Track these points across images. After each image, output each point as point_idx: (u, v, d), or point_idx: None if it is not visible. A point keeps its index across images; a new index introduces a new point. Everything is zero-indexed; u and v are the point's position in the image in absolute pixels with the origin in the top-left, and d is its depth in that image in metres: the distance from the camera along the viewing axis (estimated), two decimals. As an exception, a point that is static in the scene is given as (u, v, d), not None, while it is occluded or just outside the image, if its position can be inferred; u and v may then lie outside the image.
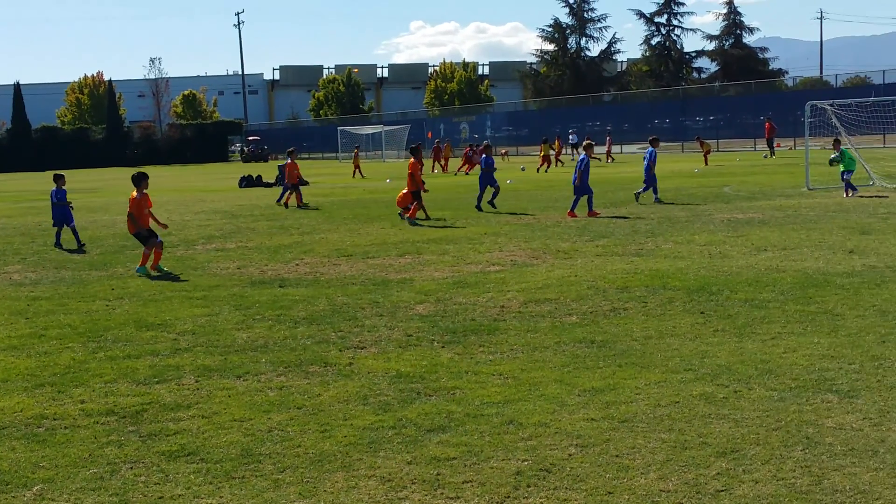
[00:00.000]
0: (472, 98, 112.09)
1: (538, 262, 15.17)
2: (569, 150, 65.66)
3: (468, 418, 7.18)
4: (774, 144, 55.58)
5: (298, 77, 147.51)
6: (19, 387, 8.59)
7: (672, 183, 32.84)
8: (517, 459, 6.29)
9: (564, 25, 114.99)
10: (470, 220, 22.40)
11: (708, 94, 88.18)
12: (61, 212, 20.33)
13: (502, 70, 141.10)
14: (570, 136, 68.39)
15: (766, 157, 53.33)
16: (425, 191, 23.45)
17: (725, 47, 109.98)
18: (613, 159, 57.84)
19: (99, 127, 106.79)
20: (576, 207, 22.64)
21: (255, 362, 9.20)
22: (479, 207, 24.97)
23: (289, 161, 30.78)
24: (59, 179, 20.94)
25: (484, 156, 25.90)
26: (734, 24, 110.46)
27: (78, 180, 55.86)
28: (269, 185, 43.76)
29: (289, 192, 29.77)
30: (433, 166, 54.35)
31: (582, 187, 22.62)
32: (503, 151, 68.19)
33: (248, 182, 44.87)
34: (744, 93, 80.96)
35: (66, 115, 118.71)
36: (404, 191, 24.03)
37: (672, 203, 24.80)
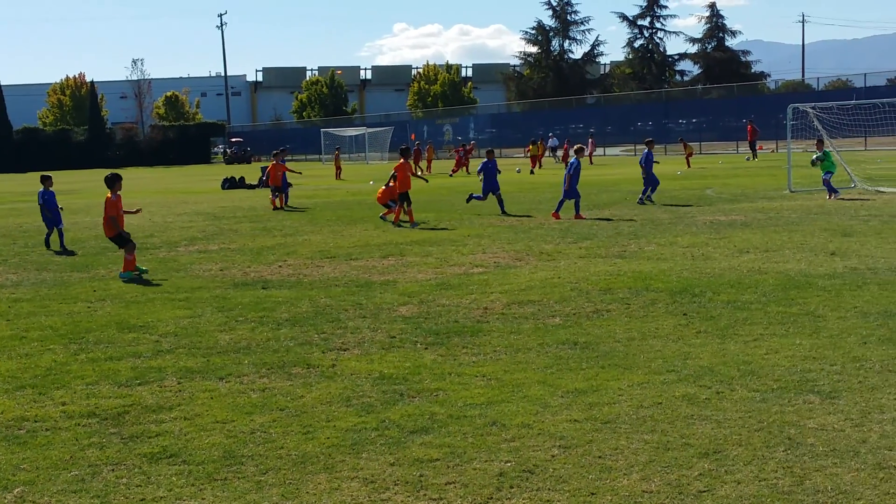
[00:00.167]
0: (455, 100, 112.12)
1: (521, 263, 15.18)
2: (549, 154, 65.67)
3: (451, 420, 7.17)
4: (757, 147, 55.79)
5: (281, 79, 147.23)
6: (0, 389, 8.54)
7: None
8: (500, 461, 6.29)
9: (548, 28, 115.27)
10: (453, 222, 22.40)
11: (691, 97, 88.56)
12: (51, 213, 20.14)
13: (485, 72, 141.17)
14: (550, 140, 68.36)
15: (748, 159, 53.53)
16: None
17: (708, 50, 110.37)
18: (592, 162, 57.90)
19: (81, 128, 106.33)
20: (560, 209, 22.67)
21: (238, 364, 9.17)
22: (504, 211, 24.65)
23: (273, 162, 30.71)
24: (46, 181, 20.78)
25: (486, 160, 25.59)
26: (717, 27, 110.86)
27: (59, 182, 55.34)
28: (251, 186, 43.66)
29: (278, 194, 29.68)
30: (414, 169, 54.00)
31: (570, 191, 22.66)
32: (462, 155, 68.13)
33: (230, 184, 44.74)
34: (726, 95, 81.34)
35: (47, 117, 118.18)
36: (383, 187, 24.11)
37: (654, 204, 24.87)
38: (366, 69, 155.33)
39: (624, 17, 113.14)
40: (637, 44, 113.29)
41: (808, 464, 6.05)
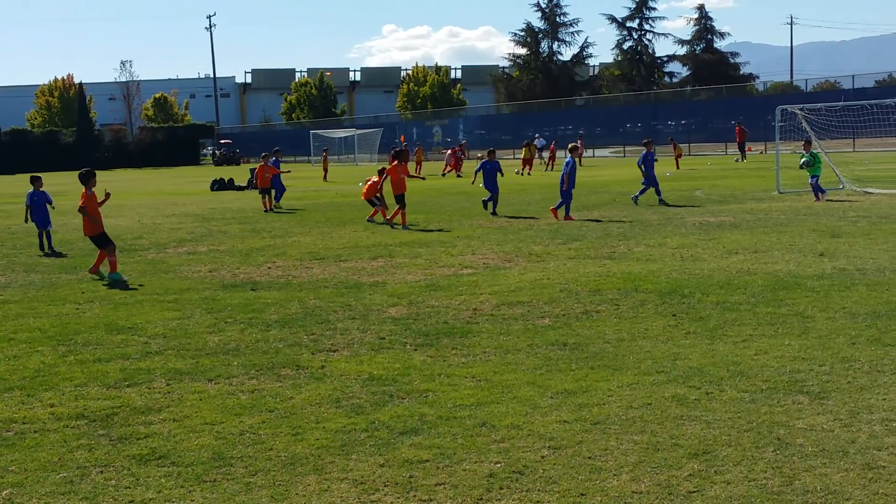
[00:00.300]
0: (444, 102, 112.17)
1: (511, 265, 15.18)
2: (535, 154, 65.60)
3: (441, 421, 7.17)
4: (746, 148, 55.89)
5: (270, 80, 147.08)
6: (-12, 391, 8.51)
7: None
8: (490, 462, 6.29)
9: (537, 30, 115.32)
10: (442, 224, 22.40)
11: (679, 99, 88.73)
12: (40, 215, 20.03)
13: (475, 74, 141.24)
14: (537, 140, 68.20)
15: (737, 160, 53.64)
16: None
17: (697, 52, 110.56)
18: (581, 164, 57.87)
19: (69, 130, 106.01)
20: (560, 207, 22.65)
21: (227, 365, 9.15)
22: (494, 212, 24.58)
23: (260, 164, 30.67)
24: (36, 181, 20.68)
25: (486, 160, 25.49)
26: (705, 28, 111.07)
27: (48, 183, 55.18)
28: (241, 188, 43.61)
29: (267, 195, 29.64)
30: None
31: (569, 189, 22.67)
32: (479, 156, 68.26)
33: (219, 185, 44.67)
34: (715, 97, 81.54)
35: (35, 118, 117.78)
36: (370, 182, 24.13)
37: (645, 205, 24.91)
38: (355, 71, 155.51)
39: (613, 19, 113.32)
40: (626, 45, 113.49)
41: (797, 464, 6.06)
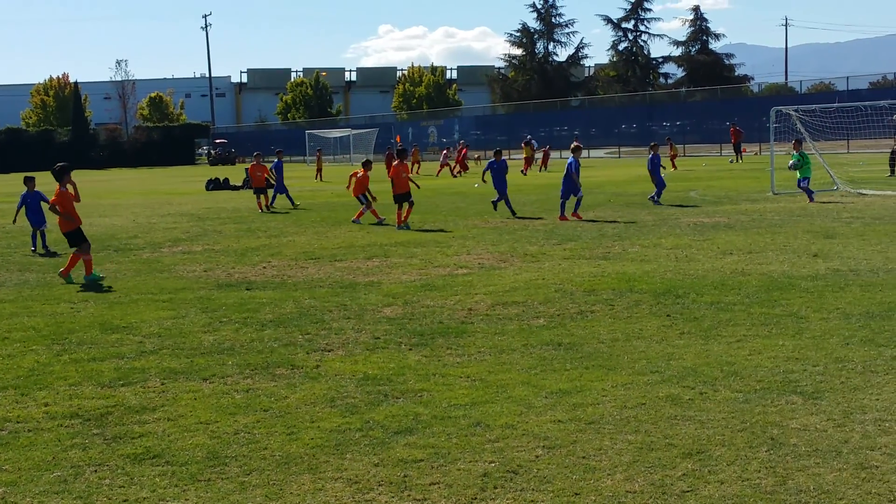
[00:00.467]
0: (440, 102, 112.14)
1: (506, 265, 15.19)
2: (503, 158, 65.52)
3: (435, 420, 7.17)
4: (741, 149, 55.95)
5: (266, 80, 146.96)
6: (-18, 390, 8.50)
7: (639, 187, 33.00)
8: (484, 461, 6.29)
9: (532, 30, 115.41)
10: (438, 224, 22.39)
11: (674, 100, 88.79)
12: (36, 215, 19.97)
13: (470, 74, 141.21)
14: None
15: (731, 161, 53.71)
16: (418, 187, 22.73)
17: (692, 53, 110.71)
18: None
19: (64, 129, 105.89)
20: (579, 208, 22.60)
21: (222, 365, 9.15)
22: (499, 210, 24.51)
23: (253, 163, 30.65)
24: (29, 182, 20.59)
25: (493, 160, 25.33)
26: (700, 30, 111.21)
27: (42, 182, 55.26)
28: (236, 187, 43.60)
29: (262, 195, 29.60)
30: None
31: (568, 189, 22.65)
32: (475, 156, 68.18)
33: (215, 185, 44.66)
34: (710, 98, 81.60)
35: (30, 117, 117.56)
36: (355, 176, 24.34)
37: (641, 206, 24.93)
38: (351, 71, 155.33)
39: (608, 20, 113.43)
40: (621, 46, 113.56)
41: (790, 464, 6.07)
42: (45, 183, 19.25)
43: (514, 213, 23.83)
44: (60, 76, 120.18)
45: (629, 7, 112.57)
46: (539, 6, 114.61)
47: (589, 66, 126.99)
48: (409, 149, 57.88)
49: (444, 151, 58.30)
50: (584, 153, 66.72)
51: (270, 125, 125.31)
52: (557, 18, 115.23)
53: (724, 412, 7.15)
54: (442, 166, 53.49)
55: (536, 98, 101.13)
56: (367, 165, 25.25)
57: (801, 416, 7.02)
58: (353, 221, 23.52)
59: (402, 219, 22.08)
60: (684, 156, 62.72)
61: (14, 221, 20.19)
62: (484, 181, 25.21)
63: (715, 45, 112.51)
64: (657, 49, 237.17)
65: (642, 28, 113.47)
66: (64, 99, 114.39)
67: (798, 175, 25.53)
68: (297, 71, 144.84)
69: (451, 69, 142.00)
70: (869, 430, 6.67)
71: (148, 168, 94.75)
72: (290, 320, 11.20)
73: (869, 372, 8.15)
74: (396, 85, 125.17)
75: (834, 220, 19.93)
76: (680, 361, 8.71)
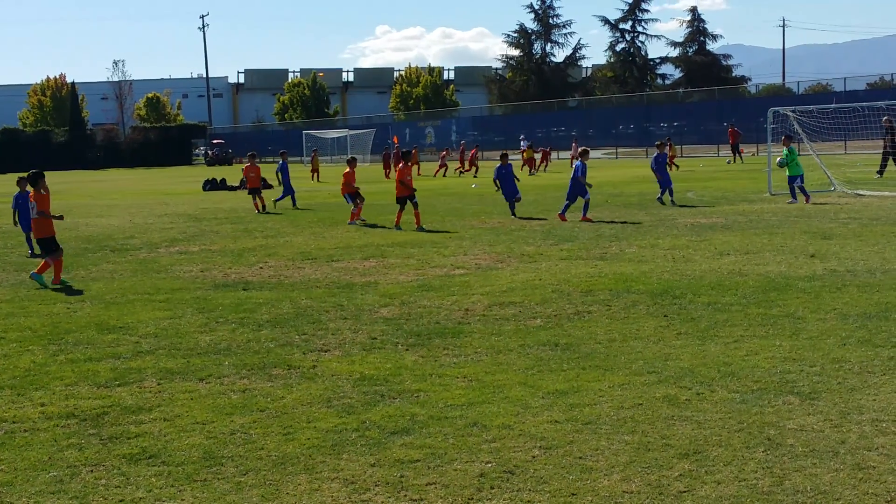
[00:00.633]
0: (437, 103, 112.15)
1: (503, 265, 15.19)
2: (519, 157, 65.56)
3: (432, 421, 7.17)
4: (740, 150, 55.93)
5: (263, 80, 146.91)
6: (-22, 390, 8.49)
7: (636, 188, 33.03)
8: (481, 461, 6.29)
9: (530, 31, 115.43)
10: (435, 224, 22.38)
11: (672, 101, 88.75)
12: (26, 217, 19.86)
13: (468, 75, 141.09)
14: (522, 143, 67.88)
15: (729, 162, 53.71)
16: (414, 190, 22.51)
17: (689, 54, 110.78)
18: (573, 165, 57.88)
19: (61, 129, 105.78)
20: (587, 211, 22.44)
21: (218, 365, 9.14)
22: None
23: (247, 164, 30.59)
24: (22, 182, 20.46)
25: (501, 164, 25.15)
26: (698, 31, 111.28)
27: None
28: (233, 188, 43.57)
29: (257, 195, 29.54)
30: (386, 173, 53.00)
31: (574, 192, 22.60)
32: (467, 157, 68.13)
33: (212, 185, 44.63)
34: (707, 99, 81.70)
35: (28, 118, 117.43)
36: (343, 181, 24.34)
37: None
38: (348, 71, 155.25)
39: (606, 21, 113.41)
40: (619, 47, 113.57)
41: (787, 464, 6.07)
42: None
43: (514, 213, 23.81)
44: (57, 76, 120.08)
45: (626, 8, 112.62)
46: (536, 7, 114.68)
47: (586, 67, 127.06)
48: (411, 150, 57.79)
49: (443, 153, 58.25)
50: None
51: (268, 126, 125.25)
52: (555, 19, 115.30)
53: (720, 413, 7.15)
54: (441, 167, 53.39)
55: (534, 99, 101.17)
56: (351, 163, 25.27)
57: (798, 416, 7.02)
58: (351, 223, 23.39)
59: (416, 222, 21.79)
60: (681, 156, 62.69)
61: (15, 223, 20.09)
62: (497, 186, 24.79)
63: (712, 46, 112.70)
64: (654, 50, 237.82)
65: (640, 29, 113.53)
66: (61, 99, 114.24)
67: (787, 173, 25.39)
68: (294, 71, 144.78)
69: (448, 70, 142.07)
70: (866, 430, 6.67)
71: (145, 168, 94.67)
72: (287, 321, 11.20)
73: (866, 372, 8.15)
74: (394, 85, 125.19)
75: (831, 221, 19.93)
76: (677, 362, 8.71)
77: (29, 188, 19.71)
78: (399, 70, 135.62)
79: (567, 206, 22.64)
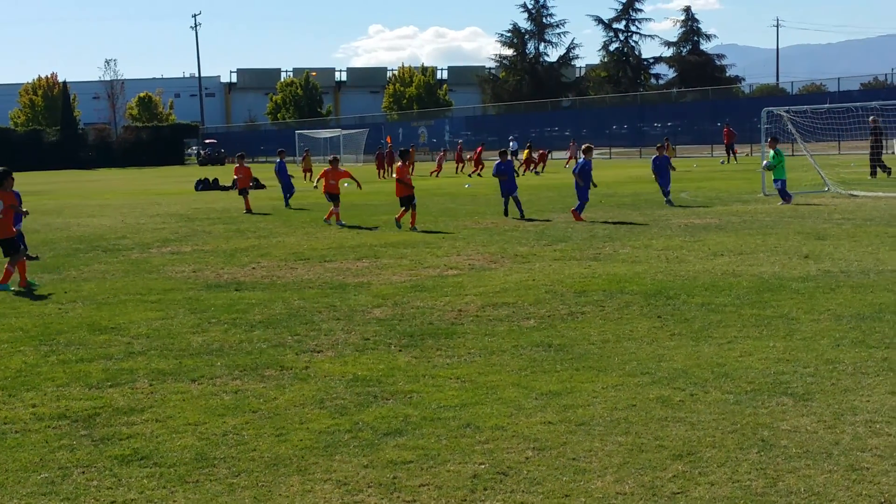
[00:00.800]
0: (430, 102, 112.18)
1: (496, 266, 15.17)
2: (510, 158, 65.47)
3: (425, 422, 7.15)
4: (734, 150, 56.02)
5: (256, 80, 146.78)
6: (-31, 391, 8.45)
7: (630, 188, 33.05)
8: (474, 463, 6.27)
9: (523, 31, 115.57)
10: (428, 225, 22.36)
11: (666, 101, 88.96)
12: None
13: (461, 75, 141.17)
14: (511, 143, 67.63)
15: (723, 162, 53.79)
16: (411, 187, 22.35)
17: (683, 54, 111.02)
18: (568, 165, 57.92)
19: (53, 129, 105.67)
20: (582, 210, 22.39)
21: (210, 366, 9.11)
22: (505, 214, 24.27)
23: (237, 165, 30.55)
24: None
25: (500, 161, 25.09)
26: (692, 30, 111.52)
27: (31, 182, 55.25)
28: (225, 188, 43.51)
29: (246, 195, 29.52)
30: (380, 173, 52.98)
31: (583, 190, 22.57)
32: (468, 157, 68.22)
33: (204, 185, 44.59)
34: (701, 99, 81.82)
35: (19, 117, 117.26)
36: (324, 173, 24.37)
37: (632, 206, 24.93)
38: (341, 71, 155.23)
39: (599, 21, 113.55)
40: (612, 47, 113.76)
41: (781, 465, 6.06)
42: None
43: (507, 213, 23.78)
44: (49, 76, 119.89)
45: (620, 7, 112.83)
46: (530, 6, 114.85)
47: (580, 67, 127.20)
48: (408, 149, 57.73)
49: (441, 153, 58.26)
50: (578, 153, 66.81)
51: (260, 125, 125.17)
52: (548, 19, 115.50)
53: (714, 414, 7.14)
54: (439, 167, 53.41)
55: (527, 98, 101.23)
56: (334, 163, 25.28)
57: (792, 417, 7.01)
58: (339, 225, 23.21)
59: (411, 222, 21.67)
60: (675, 157, 62.69)
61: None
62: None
63: (706, 46, 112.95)
64: (648, 49, 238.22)
65: (633, 28, 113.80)
66: (52, 98, 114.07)
67: (773, 176, 25.38)
68: (286, 71, 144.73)
69: (441, 69, 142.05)
70: (859, 431, 6.66)
71: (137, 168, 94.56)
72: (280, 321, 11.17)
73: (859, 373, 8.14)
74: (387, 85, 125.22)
75: (825, 222, 19.95)
76: (670, 363, 8.70)
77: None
78: (392, 70, 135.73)
79: (582, 206, 22.45)
